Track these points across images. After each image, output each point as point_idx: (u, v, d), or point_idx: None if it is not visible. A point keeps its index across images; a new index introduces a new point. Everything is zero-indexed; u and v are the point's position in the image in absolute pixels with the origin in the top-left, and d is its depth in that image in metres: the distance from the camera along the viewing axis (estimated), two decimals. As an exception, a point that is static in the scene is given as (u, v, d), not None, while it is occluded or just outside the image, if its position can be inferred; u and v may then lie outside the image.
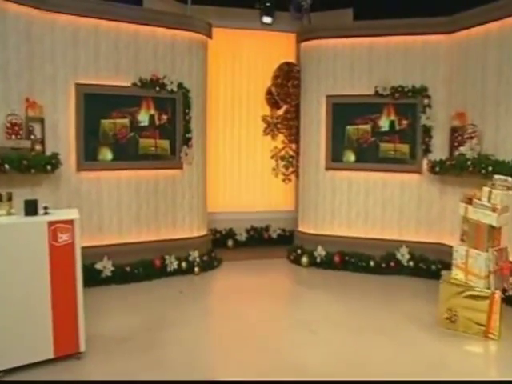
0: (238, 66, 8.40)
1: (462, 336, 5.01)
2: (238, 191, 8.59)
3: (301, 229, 7.89)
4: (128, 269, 6.59)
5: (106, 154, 6.61)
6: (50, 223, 4.15)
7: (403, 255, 7.12)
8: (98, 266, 6.45)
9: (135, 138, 6.76)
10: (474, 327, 5.01)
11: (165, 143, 7.02)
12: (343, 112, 7.35)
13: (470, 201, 5.28)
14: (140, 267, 6.68)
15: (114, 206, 6.69)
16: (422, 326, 5.26)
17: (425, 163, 7.03)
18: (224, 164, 8.51)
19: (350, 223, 7.48)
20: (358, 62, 7.26)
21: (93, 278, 6.23)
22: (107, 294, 6.12)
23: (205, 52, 7.39)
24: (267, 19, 7.81)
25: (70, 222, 4.26)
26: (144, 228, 6.93)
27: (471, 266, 5.16)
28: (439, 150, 6.93)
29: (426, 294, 6.18)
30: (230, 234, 8.41)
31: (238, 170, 8.58)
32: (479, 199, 5.19)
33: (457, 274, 5.31)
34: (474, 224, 5.20)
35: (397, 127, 7.17)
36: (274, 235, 8.54)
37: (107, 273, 6.48)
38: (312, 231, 7.68)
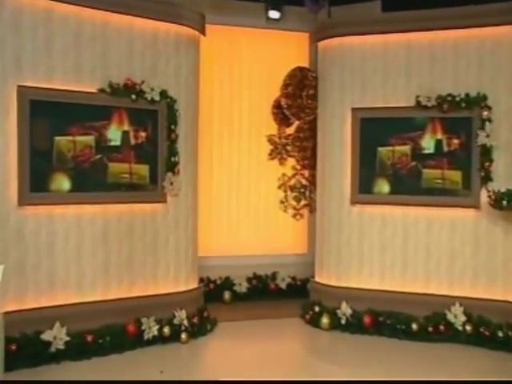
0: (237, 72, 6.79)
1: None
2: (236, 229, 6.90)
3: (318, 279, 6.17)
4: (89, 338, 4.86)
5: (62, 183, 4.94)
6: None
7: (456, 316, 5.41)
8: (46, 336, 4.69)
9: (103, 161, 5.14)
10: None
11: (143, 169, 5.39)
12: (374, 129, 5.76)
13: None
14: (106, 335, 4.96)
15: (72, 252, 4.98)
16: None
17: (484, 195, 5.38)
18: (219, 195, 6.82)
19: (383, 273, 5.79)
20: (394, 64, 5.68)
21: (38, 354, 4.59)
22: (56, 378, 4.36)
23: (196, 52, 5.80)
24: (274, 14, 6.31)
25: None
26: (113, 282, 5.23)
27: None
28: (503, 177, 5.32)
29: (499, 375, 4.53)
30: (227, 284, 6.67)
31: (237, 202, 6.90)
32: None
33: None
34: None
35: (445, 148, 5.55)
36: (283, 285, 6.81)
37: (59, 345, 4.71)
38: (333, 283, 5.97)
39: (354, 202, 5.88)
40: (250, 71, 6.81)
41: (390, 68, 5.69)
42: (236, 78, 6.80)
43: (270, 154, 6.85)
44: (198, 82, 5.90)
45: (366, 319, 5.62)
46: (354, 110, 5.83)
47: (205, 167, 6.49)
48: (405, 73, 5.64)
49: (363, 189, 5.84)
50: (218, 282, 6.65)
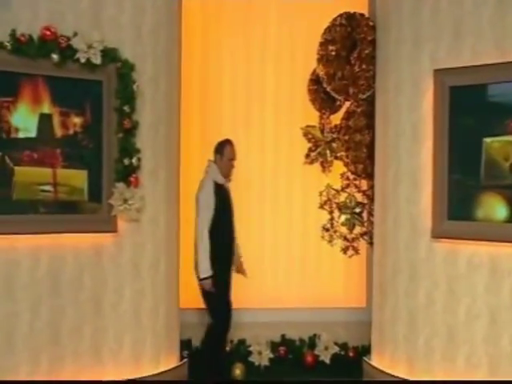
0: (258, 31, 4.42)
1: None
2: (256, 271, 4.53)
3: (376, 362, 3.73)
4: None
5: None
6: None
7: None
8: None
9: (4, 164, 3.18)
10: None
11: (77, 176, 3.39)
12: (476, 106, 3.31)
13: None
14: None
15: None
16: None
17: None
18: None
19: (495, 363, 3.24)
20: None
21: None
22: None
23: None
24: None
25: None
26: (23, 365, 3.20)
27: None
28: None
29: None
30: (240, 351, 4.35)
31: (258, 230, 4.57)
32: None
33: None
34: None
35: None
36: (326, 357, 4.36)
37: None
38: (402, 373, 3.53)
39: (438, 236, 3.40)
40: (277, 30, 4.37)
41: (507, -6, 3.18)
42: (253, 39, 4.38)
43: (308, 156, 4.46)
44: (180, 38, 3.76)
45: None
46: (438, 72, 3.37)
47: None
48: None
49: (456, 212, 3.38)
50: (227, 348, 4.36)
